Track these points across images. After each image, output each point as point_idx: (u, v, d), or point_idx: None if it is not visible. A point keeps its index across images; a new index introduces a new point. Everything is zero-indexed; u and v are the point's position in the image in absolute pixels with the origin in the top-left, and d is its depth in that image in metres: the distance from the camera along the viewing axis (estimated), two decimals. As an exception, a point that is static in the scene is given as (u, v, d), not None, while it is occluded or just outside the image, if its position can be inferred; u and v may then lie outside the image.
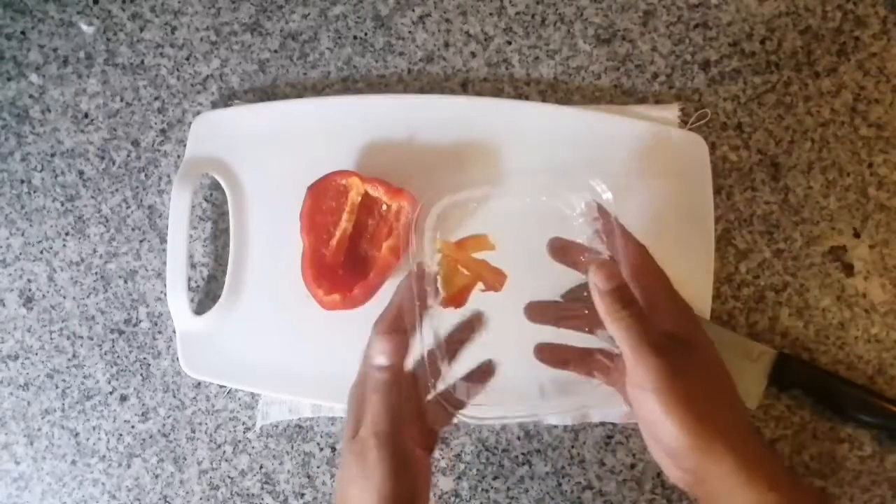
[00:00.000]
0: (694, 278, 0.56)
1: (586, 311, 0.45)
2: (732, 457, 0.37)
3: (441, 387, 0.44)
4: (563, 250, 0.48)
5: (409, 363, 0.44)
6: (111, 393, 0.60)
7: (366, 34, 0.62)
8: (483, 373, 0.47)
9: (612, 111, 0.59)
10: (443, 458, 0.57)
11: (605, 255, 0.45)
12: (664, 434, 0.38)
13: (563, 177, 0.50)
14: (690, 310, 0.43)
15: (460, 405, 0.45)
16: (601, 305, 0.40)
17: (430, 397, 0.44)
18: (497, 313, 0.49)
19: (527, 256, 0.49)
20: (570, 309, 0.49)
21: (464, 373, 0.47)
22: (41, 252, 0.61)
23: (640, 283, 0.42)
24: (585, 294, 0.43)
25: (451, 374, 0.46)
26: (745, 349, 0.55)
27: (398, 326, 0.43)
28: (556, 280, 0.48)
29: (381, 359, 0.42)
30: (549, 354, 0.47)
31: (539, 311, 0.48)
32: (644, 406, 0.38)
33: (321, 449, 0.58)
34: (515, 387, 0.48)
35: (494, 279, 0.49)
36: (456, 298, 0.50)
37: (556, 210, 0.49)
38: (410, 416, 0.43)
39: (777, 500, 0.36)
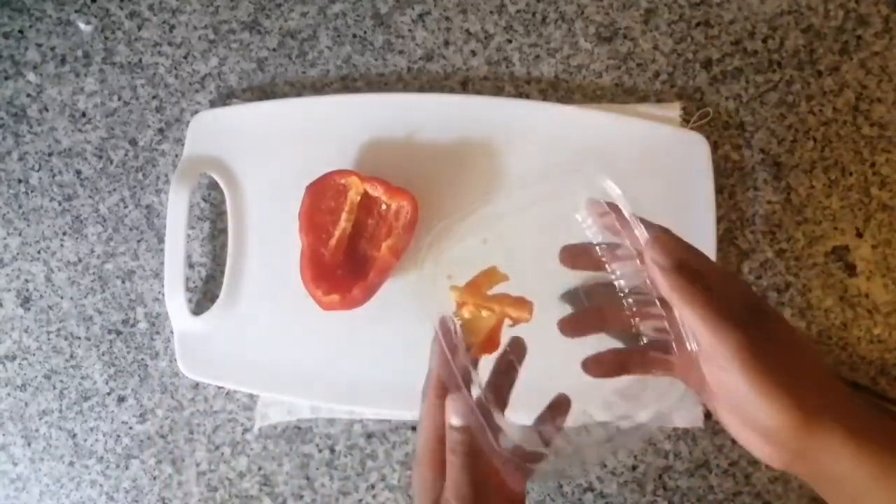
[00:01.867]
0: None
1: (634, 308, 0.41)
2: (842, 428, 0.33)
3: (508, 443, 0.39)
4: (577, 255, 0.44)
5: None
6: (109, 394, 0.59)
7: (365, 32, 0.61)
8: (555, 410, 0.42)
9: (613, 110, 0.59)
10: (443, 460, 0.57)
11: (625, 244, 0.41)
12: (758, 415, 0.34)
13: (567, 177, 0.47)
14: (742, 280, 0.40)
15: (538, 458, 0.38)
16: (667, 283, 0.36)
17: (501, 460, 0.39)
18: (530, 340, 0.45)
19: (542, 273, 0.45)
20: (607, 310, 0.45)
21: (530, 417, 0.42)
22: (39, 252, 0.61)
23: (702, 270, 0.38)
24: (623, 294, 0.40)
25: (513, 425, 0.40)
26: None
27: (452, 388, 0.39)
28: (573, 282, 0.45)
29: (455, 419, 0.38)
30: (599, 366, 0.43)
31: (574, 325, 0.45)
32: (729, 387, 0.35)
33: (320, 450, 0.58)
34: (576, 412, 0.43)
35: (520, 310, 0.45)
36: (486, 345, 0.46)
37: (562, 218, 0.45)
38: (491, 482, 0.38)
39: None
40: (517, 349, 0.43)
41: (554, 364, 0.43)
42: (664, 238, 0.38)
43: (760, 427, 0.35)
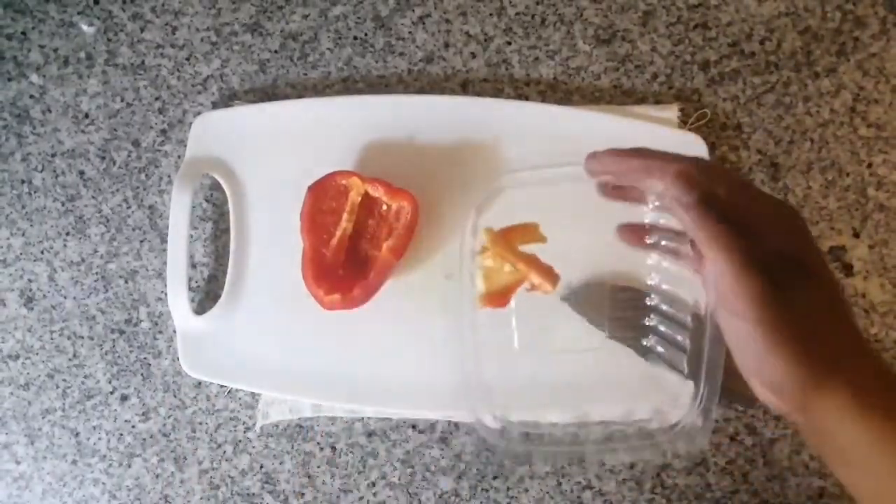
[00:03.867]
0: (693, 278, 0.56)
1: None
2: (847, 390, 0.33)
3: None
4: (634, 232, 0.42)
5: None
6: (112, 393, 0.60)
7: (366, 34, 0.62)
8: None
9: (611, 111, 0.59)
10: (443, 458, 0.57)
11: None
12: (766, 369, 0.34)
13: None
14: (796, 215, 0.36)
15: None
16: (689, 221, 0.34)
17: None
18: (538, 311, 0.43)
19: (574, 250, 0.42)
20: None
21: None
22: (42, 252, 0.61)
23: (734, 204, 0.35)
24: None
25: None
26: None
27: None
28: (606, 275, 0.43)
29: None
30: (632, 233, 0.42)
31: (632, 231, 0.43)
32: (741, 336, 0.34)
33: (321, 448, 0.58)
34: (556, 393, 0.45)
35: (544, 279, 0.42)
36: (496, 298, 0.43)
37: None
38: None
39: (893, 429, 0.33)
40: None
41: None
42: (687, 170, 0.35)
43: (768, 382, 0.34)
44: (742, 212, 0.34)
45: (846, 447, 0.34)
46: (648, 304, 0.46)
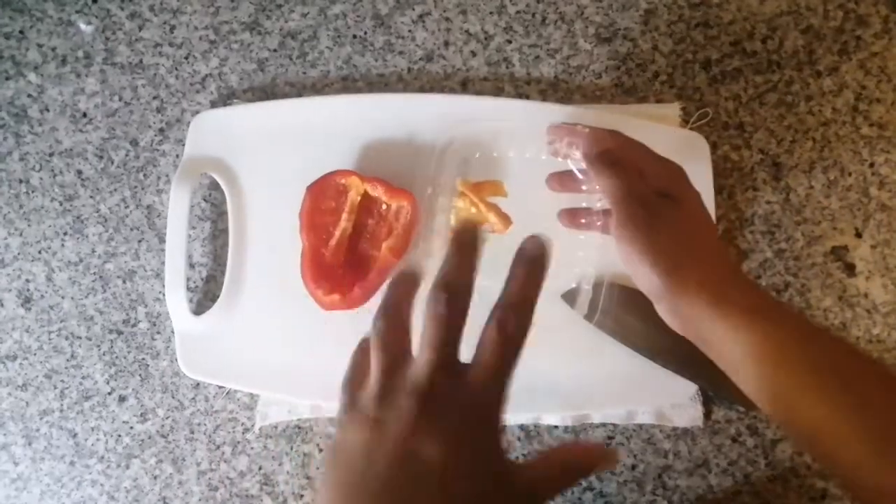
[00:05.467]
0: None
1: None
2: (705, 295, 0.40)
3: None
4: (562, 179, 0.53)
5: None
6: (110, 393, 0.60)
7: (365, 33, 0.62)
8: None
9: (612, 110, 0.59)
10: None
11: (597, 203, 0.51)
12: (643, 278, 0.42)
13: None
14: (676, 167, 0.45)
15: None
16: (591, 168, 0.44)
17: None
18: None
19: (532, 208, 0.54)
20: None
21: None
22: (39, 252, 0.61)
23: (625, 158, 0.45)
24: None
25: None
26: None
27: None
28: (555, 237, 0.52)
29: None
30: (569, 217, 0.53)
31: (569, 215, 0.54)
32: (626, 255, 0.42)
33: (320, 450, 0.58)
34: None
35: (501, 223, 0.54)
36: None
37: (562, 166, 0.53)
38: None
39: (751, 327, 0.38)
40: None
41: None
42: (598, 132, 0.46)
43: (646, 290, 0.42)
44: (635, 163, 0.44)
45: (718, 348, 0.40)
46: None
